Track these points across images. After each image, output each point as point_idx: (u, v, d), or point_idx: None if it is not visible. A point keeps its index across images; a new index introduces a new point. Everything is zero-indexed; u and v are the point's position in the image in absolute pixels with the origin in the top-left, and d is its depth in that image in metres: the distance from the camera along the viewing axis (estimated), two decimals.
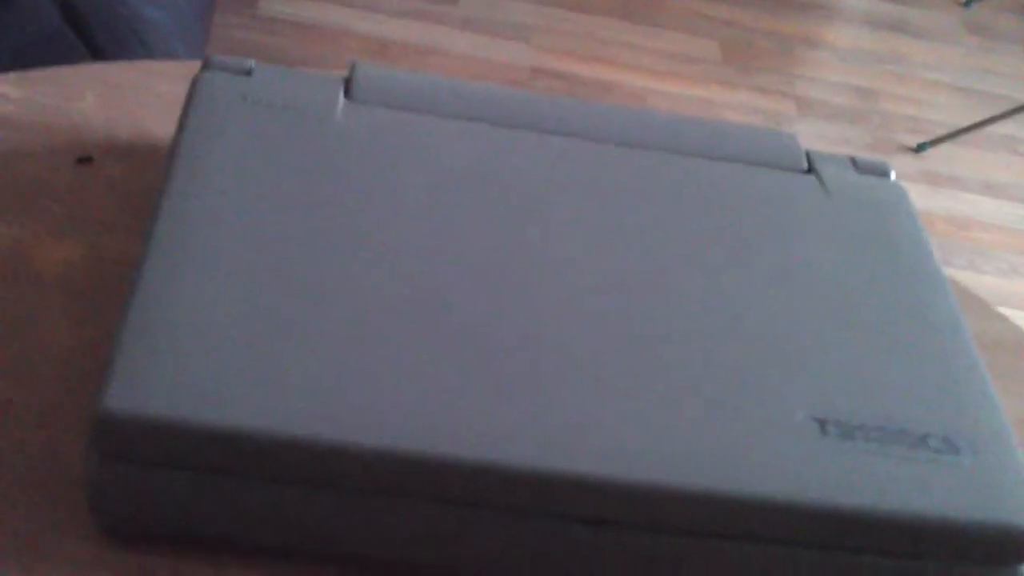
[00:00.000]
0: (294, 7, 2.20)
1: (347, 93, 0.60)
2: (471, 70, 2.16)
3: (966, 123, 2.33)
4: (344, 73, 0.62)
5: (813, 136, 2.26)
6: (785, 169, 0.62)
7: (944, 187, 2.23)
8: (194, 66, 0.72)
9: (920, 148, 2.29)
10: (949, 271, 2.01)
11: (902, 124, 2.36)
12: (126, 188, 0.62)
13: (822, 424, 0.48)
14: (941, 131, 2.32)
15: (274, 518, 0.45)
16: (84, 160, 0.63)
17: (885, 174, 0.63)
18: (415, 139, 0.58)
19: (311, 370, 0.45)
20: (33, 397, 0.51)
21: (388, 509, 0.45)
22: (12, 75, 0.67)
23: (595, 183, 0.57)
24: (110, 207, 0.61)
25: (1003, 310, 1.97)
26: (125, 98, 0.68)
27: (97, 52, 0.97)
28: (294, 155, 0.55)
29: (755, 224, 0.57)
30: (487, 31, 2.29)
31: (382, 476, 0.44)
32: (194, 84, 0.59)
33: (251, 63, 0.60)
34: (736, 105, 2.28)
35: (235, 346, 0.45)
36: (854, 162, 0.63)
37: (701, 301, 0.53)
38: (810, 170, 0.62)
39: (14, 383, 0.51)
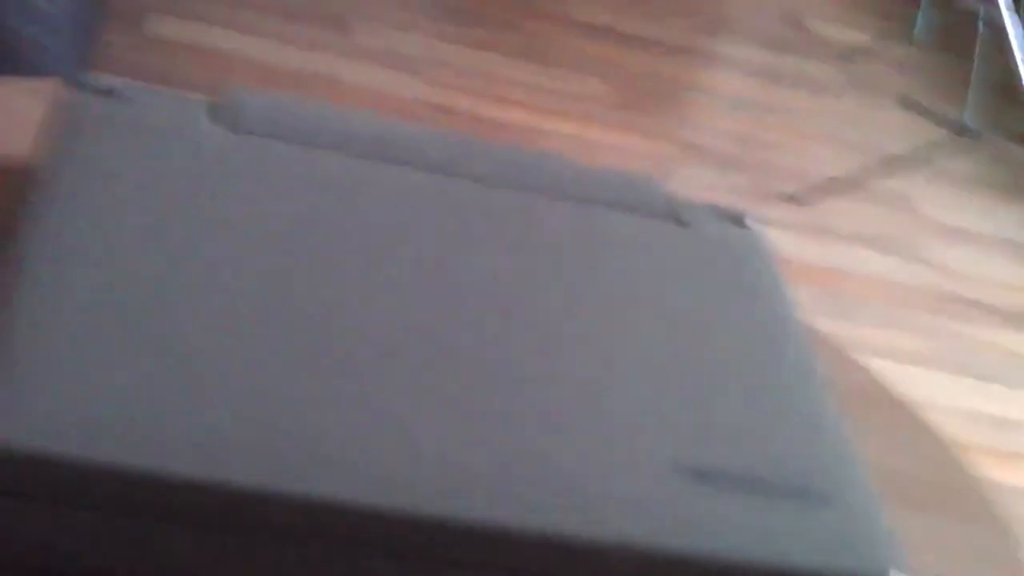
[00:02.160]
0: (184, 30, 2.18)
1: (213, 116, 0.59)
2: (360, 101, 2.16)
3: (844, 174, 2.39)
4: (224, 98, 0.62)
5: (695, 182, 2.29)
6: (646, 214, 0.62)
7: (820, 238, 2.28)
8: (69, 85, 0.71)
9: (798, 198, 2.34)
10: (823, 322, 2.06)
11: (782, 173, 2.41)
12: None
13: (677, 469, 0.48)
14: (820, 182, 2.38)
15: (139, 556, 0.44)
16: None
17: (742, 222, 0.64)
18: (278, 165, 0.57)
19: (167, 401, 0.44)
20: None
21: (236, 544, 0.45)
22: None
23: (455, 221, 0.58)
24: None
25: (877, 361, 2.02)
26: None
27: None
28: (156, 178, 0.54)
29: (612, 267, 0.58)
30: (379, 62, 2.29)
31: (223, 510, 0.44)
32: (58, 103, 0.58)
33: (116, 83, 0.59)
34: (622, 148, 2.31)
35: (93, 375, 0.44)
36: (714, 209, 0.64)
37: (554, 343, 0.53)
38: (669, 216, 0.63)
39: None
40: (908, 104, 2.70)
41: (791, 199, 2.33)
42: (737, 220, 0.64)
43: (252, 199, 0.55)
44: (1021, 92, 2.21)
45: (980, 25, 2.41)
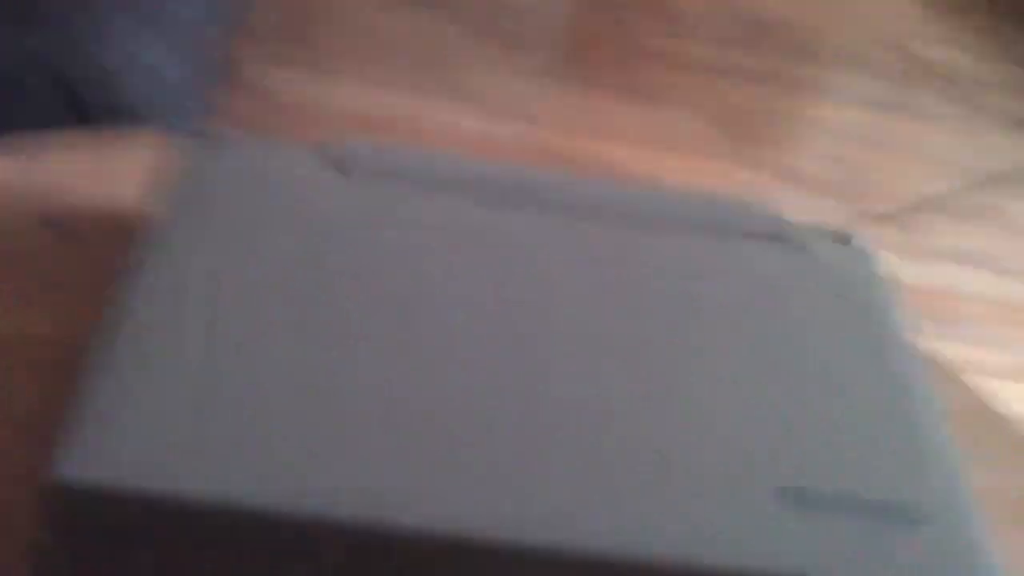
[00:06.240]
0: (290, 82, 2.21)
1: (339, 167, 0.59)
2: (471, 146, 2.17)
3: (942, 193, 2.34)
4: (337, 148, 0.61)
5: (794, 206, 2.26)
6: (752, 237, 0.62)
7: (919, 257, 2.24)
8: (180, 136, 0.72)
9: (895, 218, 2.30)
10: (926, 341, 2.01)
11: (881, 195, 2.37)
12: (98, 257, 0.62)
13: (780, 493, 0.48)
14: (917, 201, 2.34)
15: None
16: (53, 225, 0.62)
17: (849, 241, 0.63)
18: (403, 216, 0.57)
19: (270, 441, 0.45)
20: None
21: None
22: None
23: (569, 260, 0.57)
24: (80, 276, 0.60)
25: (979, 379, 1.97)
26: (104, 166, 0.68)
27: (85, 122, 0.98)
28: (275, 229, 0.54)
29: (720, 293, 0.58)
30: (487, 107, 2.30)
31: (341, 549, 0.44)
32: (177, 154, 0.58)
33: (237, 133, 0.60)
34: (725, 176, 2.29)
35: (195, 418, 0.45)
36: (821, 230, 0.64)
37: (662, 371, 0.53)
38: (776, 238, 0.62)
39: None
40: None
41: (888, 219, 2.29)
42: (844, 239, 0.63)
43: (366, 244, 0.55)
44: None
45: None
